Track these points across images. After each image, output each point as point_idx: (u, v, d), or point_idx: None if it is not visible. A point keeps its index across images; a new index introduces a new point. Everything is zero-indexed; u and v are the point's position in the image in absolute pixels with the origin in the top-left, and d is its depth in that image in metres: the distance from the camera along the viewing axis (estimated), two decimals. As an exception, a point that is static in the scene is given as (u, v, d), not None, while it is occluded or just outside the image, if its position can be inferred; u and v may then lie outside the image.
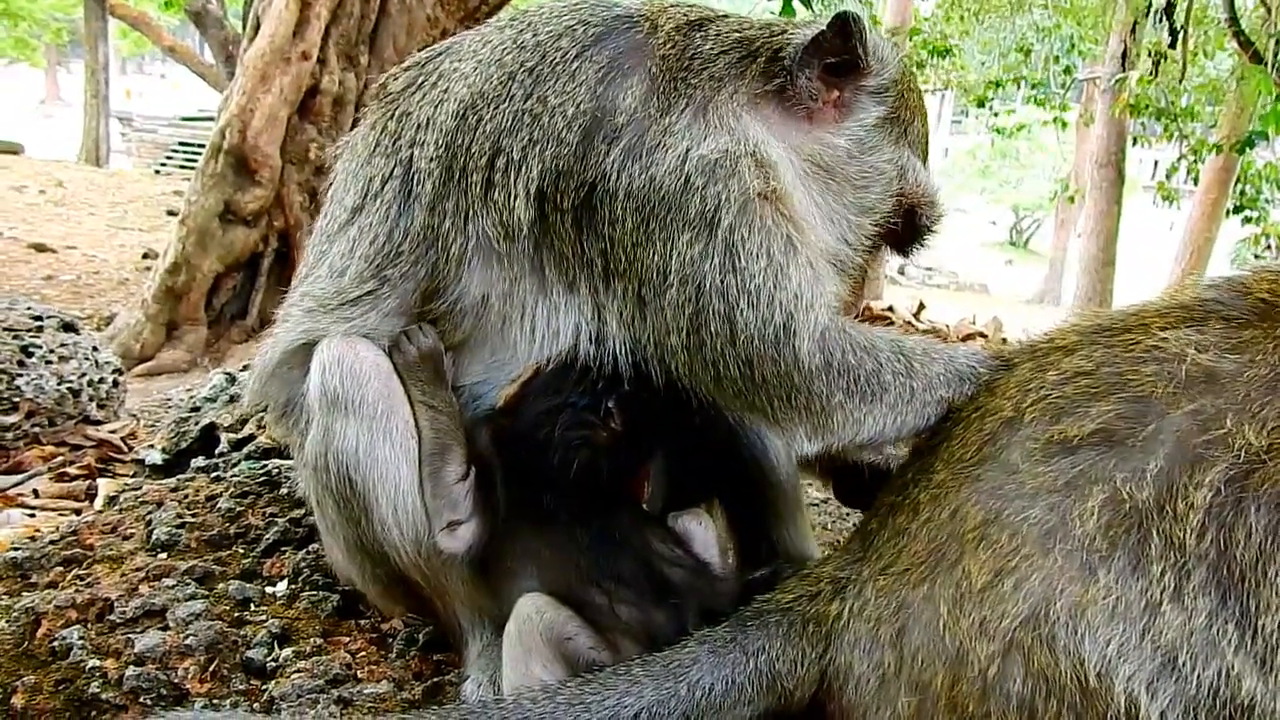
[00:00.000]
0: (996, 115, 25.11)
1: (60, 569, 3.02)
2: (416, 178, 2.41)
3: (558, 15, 2.43)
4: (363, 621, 2.80)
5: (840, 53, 2.38)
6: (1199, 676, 1.72)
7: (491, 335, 2.45)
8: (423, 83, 2.53)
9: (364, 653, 2.65)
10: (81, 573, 2.97)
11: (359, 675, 2.54)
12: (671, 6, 2.47)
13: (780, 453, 2.76)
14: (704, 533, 2.50)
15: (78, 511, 3.84)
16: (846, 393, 2.27)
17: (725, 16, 2.50)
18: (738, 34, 2.41)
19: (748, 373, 2.24)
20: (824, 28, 2.36)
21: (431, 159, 2.39)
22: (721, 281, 2.19)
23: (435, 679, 2.56)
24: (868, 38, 2.38)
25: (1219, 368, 1.93)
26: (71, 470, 4.48)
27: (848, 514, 3.88)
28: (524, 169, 2.29)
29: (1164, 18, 14.27)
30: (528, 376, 2.41)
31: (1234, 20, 13.18)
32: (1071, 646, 1.78)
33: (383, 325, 2.46)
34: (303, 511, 3.25)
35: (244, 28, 11.76)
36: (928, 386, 2.32)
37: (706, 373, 2.28)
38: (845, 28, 2.34)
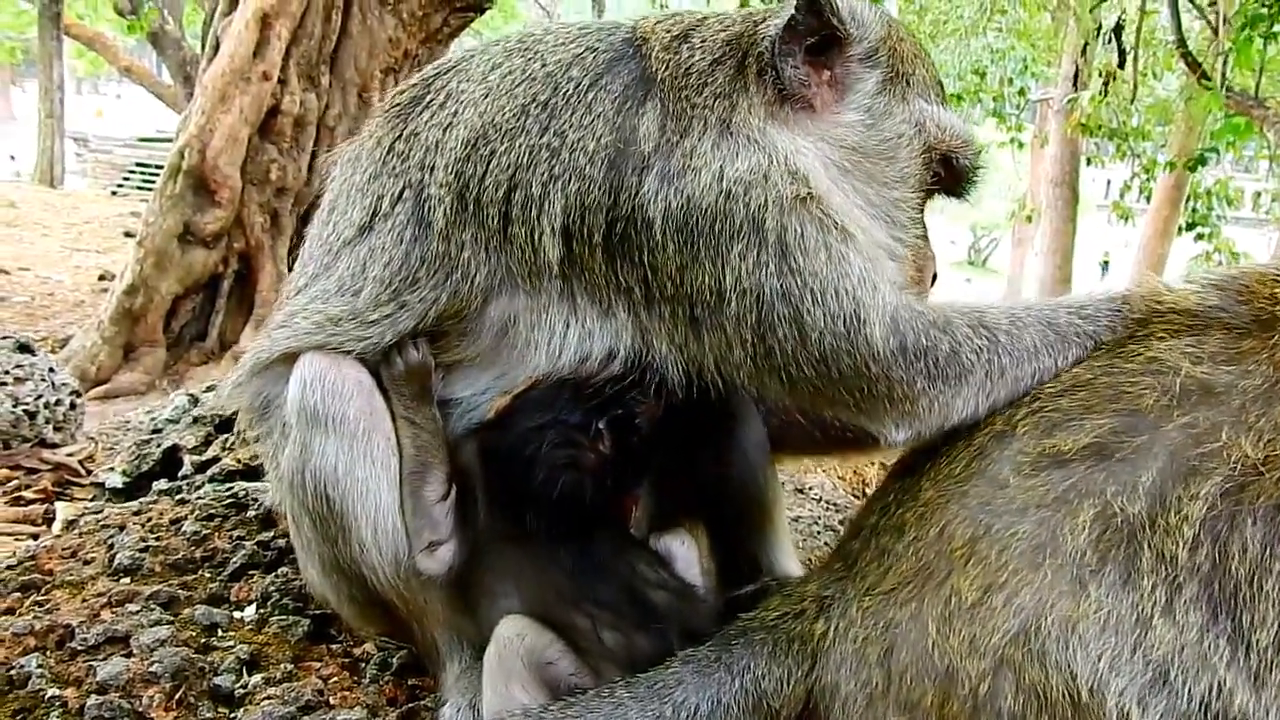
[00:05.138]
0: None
1: (18, 595, 2.91)
2: (428, 204, 2.34)
3: (564, 43, 2.39)
4: (335, 646, 2.74)
5: (817, 30, 2.31)
6: (1190, 691, 1.72)
7: (508, 354, 2.39)
8: (430, 100, 2.46)
9: (336, 678, 2.58)
10: (40, 599, 2.87)
11: (331, 701, 2.47)
12: (658, 23, 2.42)
13: (764, 471, 2.73)
14: (686, 553, 2.47)
15: (35, 536, 3.73)
16: (928, 377, 2.17)
17: (705, 20, 2.45)
18: (723, 36, 2.36)
19: (824, 370, 2.17)
20: (792, 10, 2.28)
21: (443, 185, 2.33)
22: (781, 285, 2.14)
23: (410, 704, 2.50)
24: (839, 5, 2.31)
25: (1214, 379, 1.92)
26: (28, 494, 4.34)
27: (818, 532, 3.87)
28: (546, 205, 2.24)
29: (1113, 39, 14.50)
30: (522, 389, 2.36)
31: (1181, 41, 13.41)
32: (1063, 661, 1.77)
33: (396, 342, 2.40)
34: (271, 534, 3.18)
35: (203, 47, 11.61)
36: (1018, 359, 2.21)
37: (776, 379, 2.22)
38: (813, 3, 2.27)
